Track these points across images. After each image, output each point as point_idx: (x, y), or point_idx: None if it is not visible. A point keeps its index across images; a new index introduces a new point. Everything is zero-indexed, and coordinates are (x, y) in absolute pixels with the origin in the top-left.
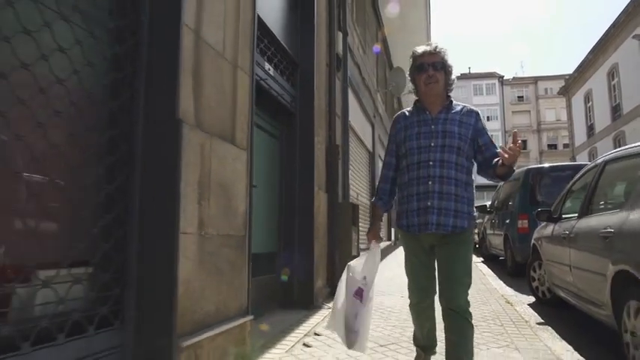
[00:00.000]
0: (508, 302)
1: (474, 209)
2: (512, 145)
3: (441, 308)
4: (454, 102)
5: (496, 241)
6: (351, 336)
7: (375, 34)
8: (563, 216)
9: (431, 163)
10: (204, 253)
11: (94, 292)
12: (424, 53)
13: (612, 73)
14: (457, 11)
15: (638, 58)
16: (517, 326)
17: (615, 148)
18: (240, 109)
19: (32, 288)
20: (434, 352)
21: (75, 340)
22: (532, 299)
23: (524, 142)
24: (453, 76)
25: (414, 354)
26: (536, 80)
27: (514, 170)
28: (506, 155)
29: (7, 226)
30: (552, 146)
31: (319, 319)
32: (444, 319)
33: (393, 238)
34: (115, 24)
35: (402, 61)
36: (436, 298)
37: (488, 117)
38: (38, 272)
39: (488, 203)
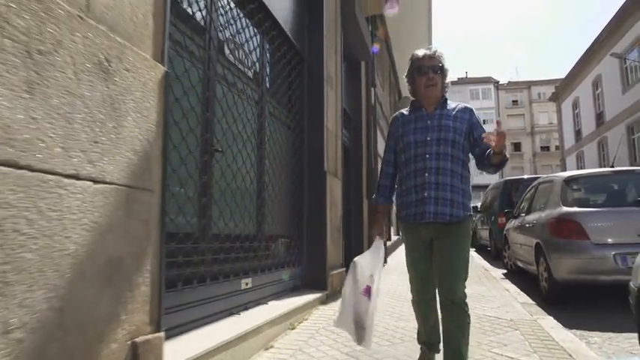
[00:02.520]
0: (486, 270)
1: (470, 202)
2: (496, 131)
3: (439, 301)
4: (449, 100)
5: (484, 234)
6: (360, 332)
7: (389, 73)
8: (520, 214)
9: (427, 155)
10: (331, 233)
11: (292, 249)
12: (424, 56)
13: (596, 83)
14: (454, 16)
15: (617, 72)
16: (488, 279)
17: (599, 152)
18: (339, 158)
19: (275, 245)
20: (438, 350)
21: (297, 266)
22: (504, 271)
23: (519, 144)
24: (448, 80)
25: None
26: (529, 85)
27: (507, 158)
28: (492, 142)
29: (269, 219)
30: (545, 148)
31: None
32: (441, 311)
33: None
34: (295, 126)
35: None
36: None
37: (484, 120)
38: (279, 239)
39: (478, 204)
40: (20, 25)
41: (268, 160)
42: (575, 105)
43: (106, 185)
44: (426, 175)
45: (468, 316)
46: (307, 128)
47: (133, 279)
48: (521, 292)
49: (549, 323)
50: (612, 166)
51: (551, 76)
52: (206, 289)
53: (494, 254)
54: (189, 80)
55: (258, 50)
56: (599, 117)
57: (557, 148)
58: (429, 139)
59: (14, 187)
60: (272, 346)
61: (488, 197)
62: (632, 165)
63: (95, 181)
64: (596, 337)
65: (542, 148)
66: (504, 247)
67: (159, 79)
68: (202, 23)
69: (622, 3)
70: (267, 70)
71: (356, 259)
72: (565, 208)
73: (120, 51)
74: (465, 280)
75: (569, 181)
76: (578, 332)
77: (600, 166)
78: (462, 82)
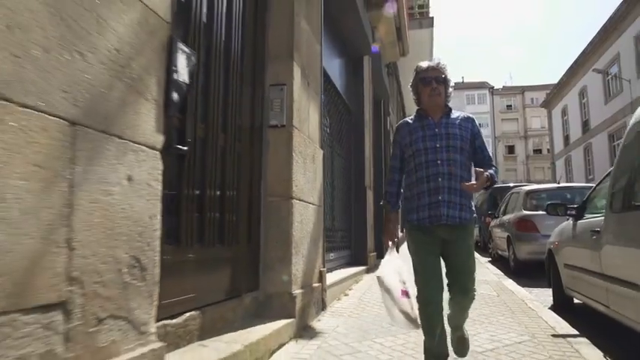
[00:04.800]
0: (476, 259)
1: (473, 204)
2: (473, 182)
3: (452, 298)
4: (452, 110)
5: (476, 231)
6: (414, 321)
7: (396, 94)
8: (500, 215)
9: (439, 162)
10: (369, 228)
11: (345, 238)
12: (428, 68)
13: (582, 93)
14: (452, 21)
15: (600, 85)
16: (476, 262)
17: (585, 157)
18: (372, 176)
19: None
20: None
21: (348, 249)
22: (489, 259)
23: (512, 147)
24: (451, 89)
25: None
26: (523, 90)
27: (493, 184)
28: (471, 190)
29: (337, 219)
30: (537, 151)
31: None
32: (453, 302)
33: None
34: (346, 156)
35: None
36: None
37: (479, 124)
38: (339, 231)
39: None
40: (304, 150)
41: (337, 182)
42: (564, 112)
43: (315, 206)
44: (439, 180)
45: (473, 298)
46: (353, 157)
47: (319, 245)
48: (497, 269)
49: (508, 282)
50: (558, 183)
51: (544, 80)
52: None
53: (483, 247)
54: None
55: (330, 112)
56: (585, 124)
57: (548, 151)
58: (438, 146)
59: (304, 207)
60: (352, 289)
61: (479, 200)
62: None
63: (312, 204)
64: (536, 290)
65: (534, 151)
66: (489, 241)
67: (322, 155)
68: None
69: (606, 19)
70: (334, 124)
71: (378, 274)
72: (525, 212)
73: (315, 148)
74: (474, 270)
75: (528, 192)
76: (526, 288)
77: (586, 171)
78: (458, 87)
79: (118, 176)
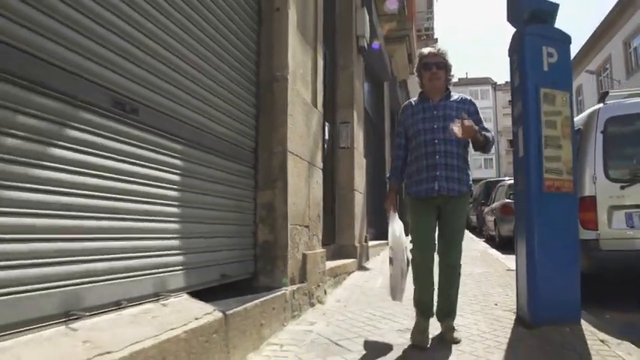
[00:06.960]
0: (472, 238)
1: (470, 177)
2: (458, 123)
3: (438, 265)
4: (452, 92)
5: (474, 218)
6: (393, 292)
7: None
8: (490, 204)
9: (436, 141)
10: None
11: (372, 221)
12: (429, 54)
13: (578, 92)
14: (457, 17)
15: (594, 85)
16: (471, 240)
17: None
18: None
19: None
20: (431, 315)
21: (374, 228)
22: (483, 240)
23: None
24: (452, 73)
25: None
26: None
27: (490, 141)
28: (458, 133)
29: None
30: None
31: None
32: (439, 271)
33: None
34: (373, 157)
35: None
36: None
37: (484, 119)
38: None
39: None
40: (358, 160)
41: (367, 178)
42: None
43: (362, 194)
44: (437, 157)
45: (459, 275)
46: (376, 159)
47: (364, 218)
48: (486, 244)
49: (492, 250)
50: None
51: None
52: None
53: (479, 230)
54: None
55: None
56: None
57: None
58: (435, 126)
59: (358, 195)
60: (380, 253)
61: (477, 192)
62: None
63: (361, 193)
64: (511, 256)
65: None
66: (483, 224)
67: (365, 163)
68: None
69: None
70: (365, 136)
71: (389, 244)
72: (507, 200)
73: (362, 159)
74: (461, 243)
75: (510, 185)
76: (506, 255)
77: None
78: (462, 82)
79: (314, 181)
